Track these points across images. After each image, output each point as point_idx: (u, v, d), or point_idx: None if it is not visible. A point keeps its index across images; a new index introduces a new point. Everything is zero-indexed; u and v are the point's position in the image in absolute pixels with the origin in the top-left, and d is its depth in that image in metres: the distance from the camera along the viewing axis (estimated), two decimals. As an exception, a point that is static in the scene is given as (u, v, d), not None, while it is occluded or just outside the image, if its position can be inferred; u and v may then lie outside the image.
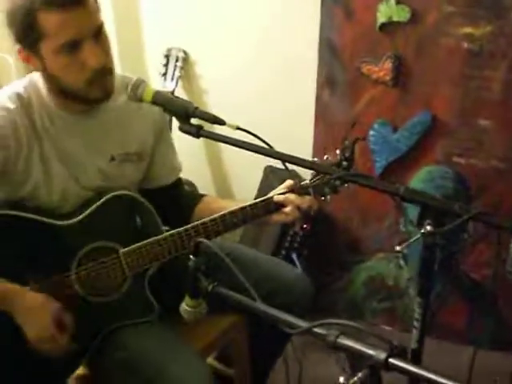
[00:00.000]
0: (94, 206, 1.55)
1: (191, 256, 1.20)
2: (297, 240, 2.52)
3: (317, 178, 1.65)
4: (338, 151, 1.63)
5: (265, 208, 1.64)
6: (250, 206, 1.62)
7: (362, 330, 0.85)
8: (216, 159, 2.98)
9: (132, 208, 1.60)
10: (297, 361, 1.96)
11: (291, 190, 1.63)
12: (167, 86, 2.68)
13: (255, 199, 1.65)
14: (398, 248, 1.20)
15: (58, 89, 1.48)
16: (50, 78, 1.47)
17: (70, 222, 1.54)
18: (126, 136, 1.63)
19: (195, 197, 1.84)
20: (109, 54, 1.48)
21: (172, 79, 2.70)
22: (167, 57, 2.73)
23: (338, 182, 1.66)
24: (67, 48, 1.39)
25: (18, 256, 1.50)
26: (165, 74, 2.70)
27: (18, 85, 1.53)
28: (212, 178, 3.06)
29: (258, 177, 2.78)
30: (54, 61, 1.41)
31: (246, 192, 2.92)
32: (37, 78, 1.53)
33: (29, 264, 1.50)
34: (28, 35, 1.39)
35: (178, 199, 1.80)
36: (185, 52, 2.75)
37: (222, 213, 1.60)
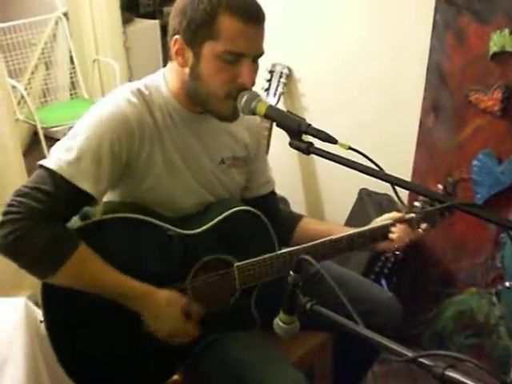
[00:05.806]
0: (217, 220, 1.56)
1: (291, 272, 1.20)
2: (387, 266, 2.47)
3: (425, 208, 1.68)
4: (439, 186, 1.62)
5: (372, 236, 1.68)
6: (357, 234, 1.65)
7: (477, 365, 0.80)
8: (310, 177, 2.97)
9: (250, 224, 1.62)
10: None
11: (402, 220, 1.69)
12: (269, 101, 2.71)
13: (347, 221, 1.66)
14: (507, 284, 1.16)
15: (195, 91, 1.48)
16: (194, 77, 1.46)
17: (193, 232, 1.55)
18: (234, 141, 1.67)
19: (295, 217, 1.84)
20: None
21: (274, 95, 2.72)
22: (271, 72, 2.75)
23: (437, 217, 1.69)
24: (229, 56, 1.40)
25: (139, 259, 1.50)
26: (267, 89, 2.73)
27: (139, 82, 1.55)
28: (304, 196, 3.05)
29: (351, 198, 2.75)
30: (210, 62, 1.42)
31: (337, 213, 2.90)
32: (158, 78, 1.55)
33: (149, 268, 1.51)
34: (200, 30, 1.40)
35: (274, 213, 1.78)
36: (289, 69, 2.77)
37: (333, 236, 1.63)
